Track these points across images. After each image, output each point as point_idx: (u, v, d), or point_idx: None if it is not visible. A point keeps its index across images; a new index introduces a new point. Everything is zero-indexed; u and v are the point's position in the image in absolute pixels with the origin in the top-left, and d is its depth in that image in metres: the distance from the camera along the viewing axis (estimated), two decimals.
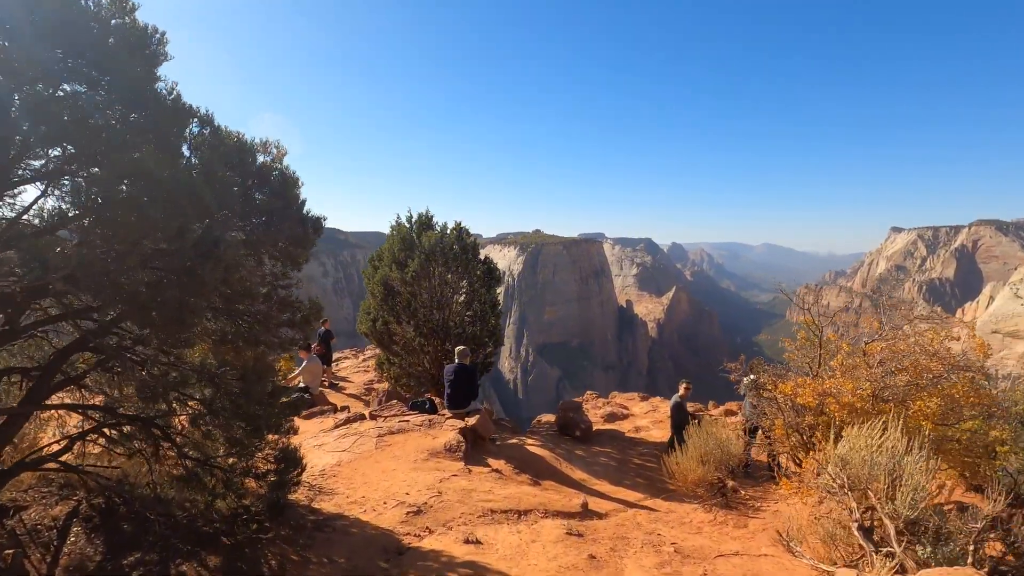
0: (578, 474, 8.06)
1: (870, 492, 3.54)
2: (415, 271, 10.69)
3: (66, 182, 2.52)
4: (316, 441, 7.76)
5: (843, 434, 5.11)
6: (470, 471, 6.68)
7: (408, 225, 11.53)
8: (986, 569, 3.80)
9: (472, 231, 11.85)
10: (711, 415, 13.02)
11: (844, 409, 5.10)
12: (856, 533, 3.74)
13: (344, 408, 10.76)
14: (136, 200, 2.27)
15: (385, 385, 12.48)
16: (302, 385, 10.64)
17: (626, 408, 14.43)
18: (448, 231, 11.29)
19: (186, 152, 3.16)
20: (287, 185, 3.68)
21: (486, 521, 5.38)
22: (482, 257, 11.56)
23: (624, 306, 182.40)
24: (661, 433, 11.40)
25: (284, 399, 4.08)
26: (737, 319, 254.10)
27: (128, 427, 4.05)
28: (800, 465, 6.05)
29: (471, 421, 8.12)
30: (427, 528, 5.10)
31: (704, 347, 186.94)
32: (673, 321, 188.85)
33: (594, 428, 11.08)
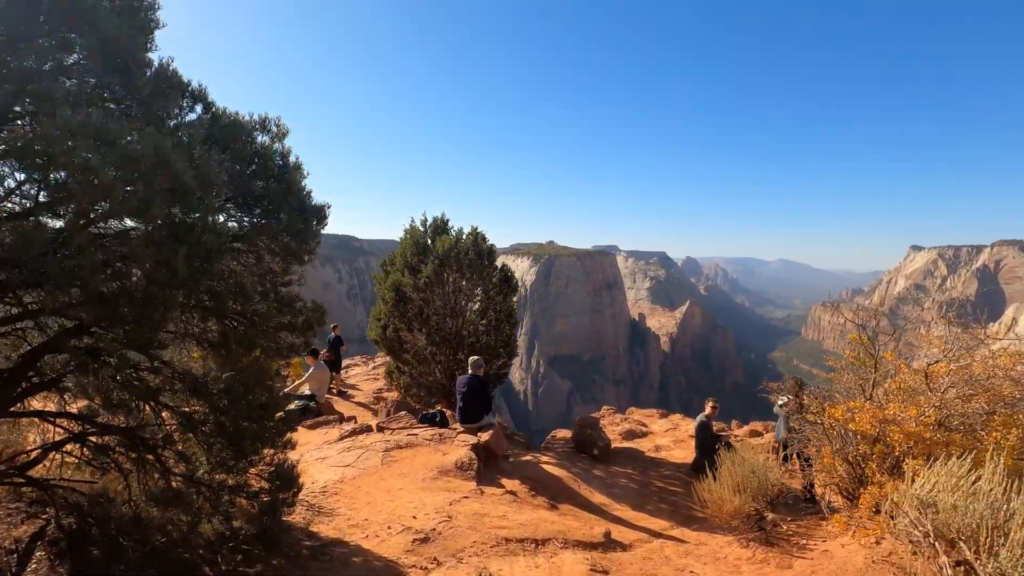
0: (597, 497, 7.48)
1: (961, 544, 2.98)
2: (428, 277, 10.22)
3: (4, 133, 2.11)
4: (319, 454, 7.29)
5: (904, 466, 4.52)
6: (482, 492, 6.16)
7: (422, 229, 11.05)
8: None
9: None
10: (736, 435, 12.34)
11: (909, 439, 4.51)
12: None
13: (351, 418, 10.29)
14: (88, 163, 1.85)
15: (395, 394, 12.00)
16: (308, 392, 10.22)
17: (645, 425, 13.78)
18: (464, 236, 10.75)
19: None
20: (289, 169, 3.25)
21: (500, 552, 4.84)
22: (498, 264, 11.06)
23: (637, 319, 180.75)
24: (683, 454, 10.75)
25: (280, 412, 3.60)
26: (751, 335, 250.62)
27: (106, 438, 3.62)
28: (851, 499, 5.42)
29: (484, 437, 7.60)
30: (435, 559, 4.57)
31: (717, 363, 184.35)
32: (686, 336, 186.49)
33: (612, 446, 10.48)
